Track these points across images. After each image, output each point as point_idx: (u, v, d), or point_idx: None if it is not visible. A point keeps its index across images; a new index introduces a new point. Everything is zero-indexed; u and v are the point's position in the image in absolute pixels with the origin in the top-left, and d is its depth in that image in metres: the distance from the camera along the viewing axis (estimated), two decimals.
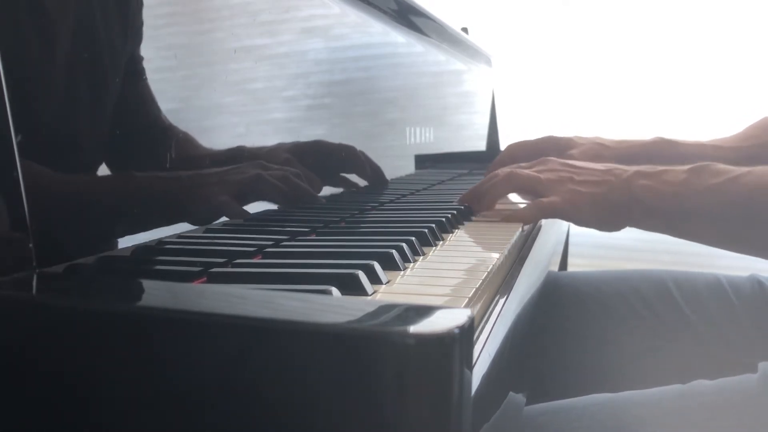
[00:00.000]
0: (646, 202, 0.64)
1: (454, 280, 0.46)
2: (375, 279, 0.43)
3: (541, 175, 0.70)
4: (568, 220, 0.70)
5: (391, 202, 0.84)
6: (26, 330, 0.31)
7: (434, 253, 0.55)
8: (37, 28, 0.39)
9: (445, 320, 0.27)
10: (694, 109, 2.04)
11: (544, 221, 0.76)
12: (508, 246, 0.58)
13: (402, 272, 0.48)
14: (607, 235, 0.69)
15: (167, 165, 0.50)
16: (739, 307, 0.81)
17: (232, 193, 0.57)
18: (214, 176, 0.56)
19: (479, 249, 0.60)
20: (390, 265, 0.48)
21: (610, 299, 0.85)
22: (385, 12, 0.96)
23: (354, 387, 0.26)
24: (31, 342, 0.30)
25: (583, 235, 0.99)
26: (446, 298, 0.41)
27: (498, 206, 0.76)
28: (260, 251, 0.51)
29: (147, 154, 0.50)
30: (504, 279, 0.51)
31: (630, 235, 0.71)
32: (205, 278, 0.43)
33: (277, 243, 0.54)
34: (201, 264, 0.44)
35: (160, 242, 0.48)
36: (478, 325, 0.39)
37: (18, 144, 0.35)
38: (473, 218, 0.74)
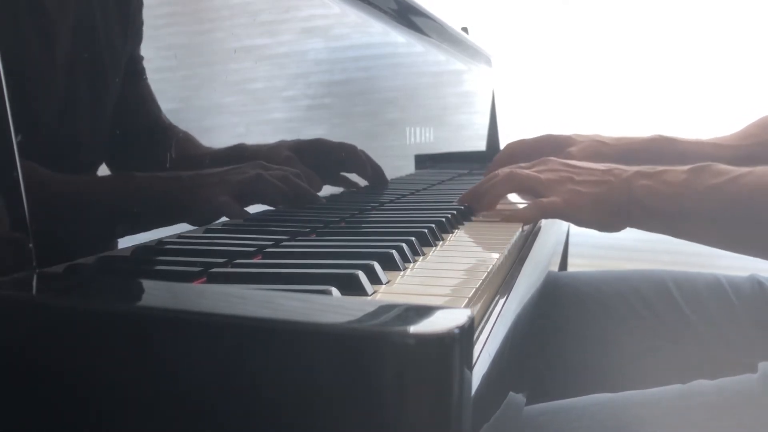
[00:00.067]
0: (646, 203, 0.64)
1: (454, 280, 0.46)
2: (375, 279, 0.43)
3: (542, 175, 0.70)
4: (568, 220, 0.70)
5: (391, 202, 0.84)
6: (26, 330, 0.31)
7: (434, 253, 0.55)
8: (37, 28, 0.39)
9: (445, 320, 0.27)
10: (694, 108, 2.04)
11: (543, 221, 0.76)
12: (508, 246, 0.58)
13: (402, 272, 0.48)
14: (607, 235, 0.69)
15: (167, 165, 0.50)
16: (739, 307, 0.81)
17: (232, 194, 0.57)
18: (214, 176, 0.56)
19: (479, 249, 0.60)
20: (390, 265, 0.48)
21: (610, 299, 0.85)
22: (385, 12, 0.96)
23: (354, 387, 0.26)
24: (31, 342, 0.30)
25: (583, 235, 0.99)
26: (446, 298, 0.41)
27: (498, 206, 0.76)
28: (260, 251, 0.51)
29: (147, 154, 0.50)
30: (504, 279, 0.51)
31: (630, 235, 0.71)
32: (205, 278, 0.43)
33: (277, 243, 0.54)
34: (201, 264, 0.44)
35: (160, 242, 0.48)
36: (478, 325, 0.39)
37: (18, 144, 0.35)
38: (473, 218, 0.74)
